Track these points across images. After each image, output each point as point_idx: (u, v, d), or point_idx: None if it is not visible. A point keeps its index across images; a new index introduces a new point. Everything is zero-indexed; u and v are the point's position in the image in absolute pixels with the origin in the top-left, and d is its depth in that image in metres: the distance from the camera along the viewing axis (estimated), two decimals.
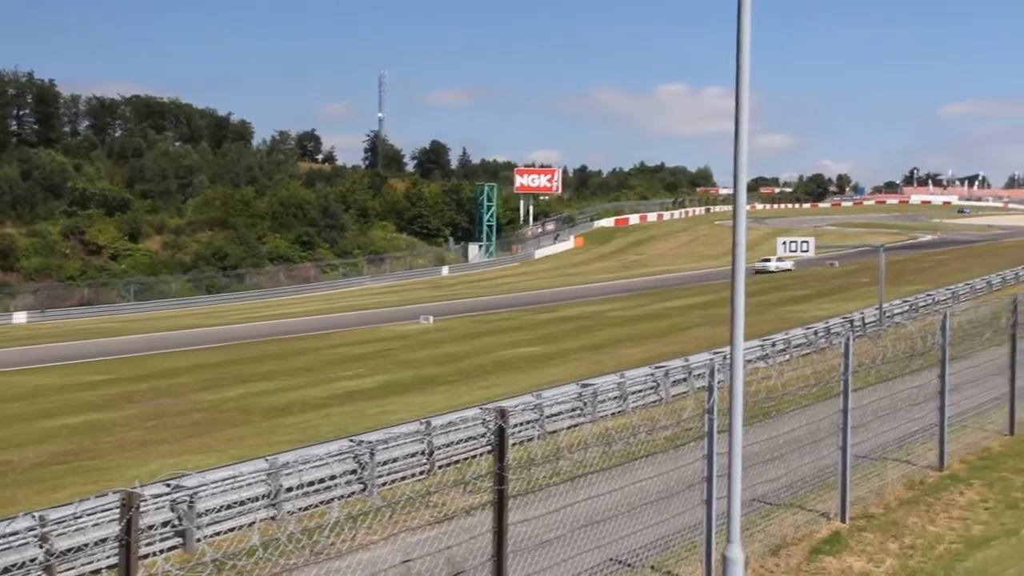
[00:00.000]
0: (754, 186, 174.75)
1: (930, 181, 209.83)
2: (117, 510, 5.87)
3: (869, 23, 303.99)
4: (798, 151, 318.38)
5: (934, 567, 10.15)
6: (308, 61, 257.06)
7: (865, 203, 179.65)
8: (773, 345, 27.62)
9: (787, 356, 27.29)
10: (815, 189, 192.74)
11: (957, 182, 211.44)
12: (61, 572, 11.88)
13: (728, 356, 8.78)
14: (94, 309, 71.57)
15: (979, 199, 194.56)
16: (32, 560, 11.58)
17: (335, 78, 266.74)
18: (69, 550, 11.60)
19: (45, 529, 11.88)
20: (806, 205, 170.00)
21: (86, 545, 11.47)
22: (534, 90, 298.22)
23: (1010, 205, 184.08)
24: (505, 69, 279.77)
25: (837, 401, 11.68)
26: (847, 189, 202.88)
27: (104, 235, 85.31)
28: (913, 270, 61.38)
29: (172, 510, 13.08)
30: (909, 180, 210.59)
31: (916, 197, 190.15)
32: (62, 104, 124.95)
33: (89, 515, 11.19)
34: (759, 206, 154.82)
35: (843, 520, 11.46)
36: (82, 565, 11.78)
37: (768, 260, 69.37)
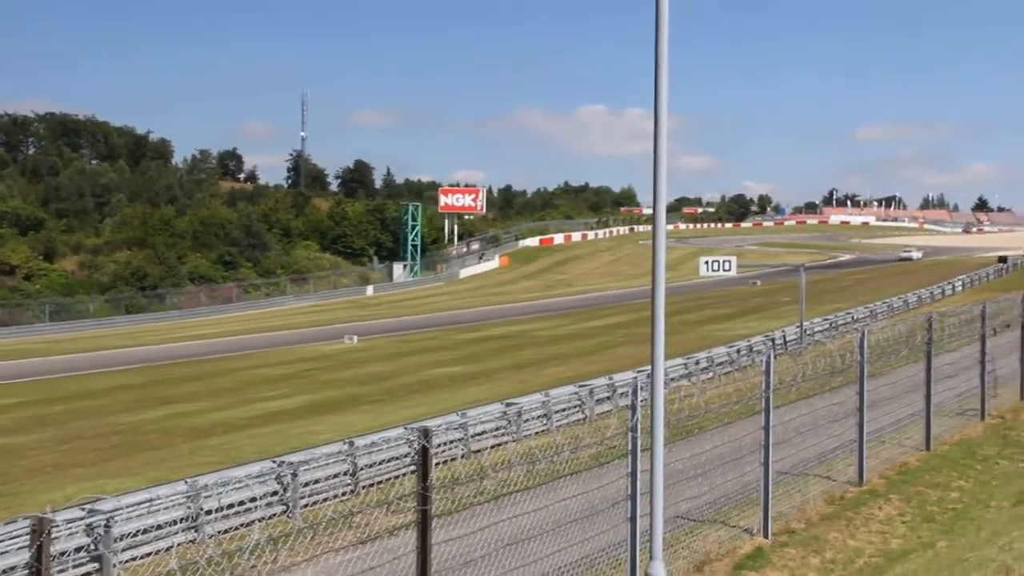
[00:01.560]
0: (677, 206, 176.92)
1: (848, 202, 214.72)
2: (27, 537, 5.66)
3: (787, 47, 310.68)
4: (719, 172, 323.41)
5: None
6: (229, 79, 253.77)
7: (786, 223, 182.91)
8: (696, 363, 27.92)
9: (710, 374, 27.59)
10: (737, 209, 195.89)
11: (875, 203, 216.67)
12: None
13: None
14: (7, 330, 69.56)
15: (895, 219, 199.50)
16: None
17: (256, 97, 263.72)
18: None
19: None
20: (728, 225, 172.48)
21: None
22: (457, 110, 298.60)
23: (925, 225, 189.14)
24: (427, 89, 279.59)
25: (759, 418, 11.82)
26: (768, 209, 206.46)
27: (17, 255, 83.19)
28: (833, 289, 62.64)
29: (88, 535, 12.72)
30: (828, 201, 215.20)
31: (835, 217, 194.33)
32: None
33: None
34: (682, 226, 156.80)
35: (766, 536, 11.58)
36: None
37: (909, 250, 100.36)
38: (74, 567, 12.35)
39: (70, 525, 12.32)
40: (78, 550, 12.50)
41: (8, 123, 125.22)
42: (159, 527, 13.23)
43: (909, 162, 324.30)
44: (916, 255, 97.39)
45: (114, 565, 12.50)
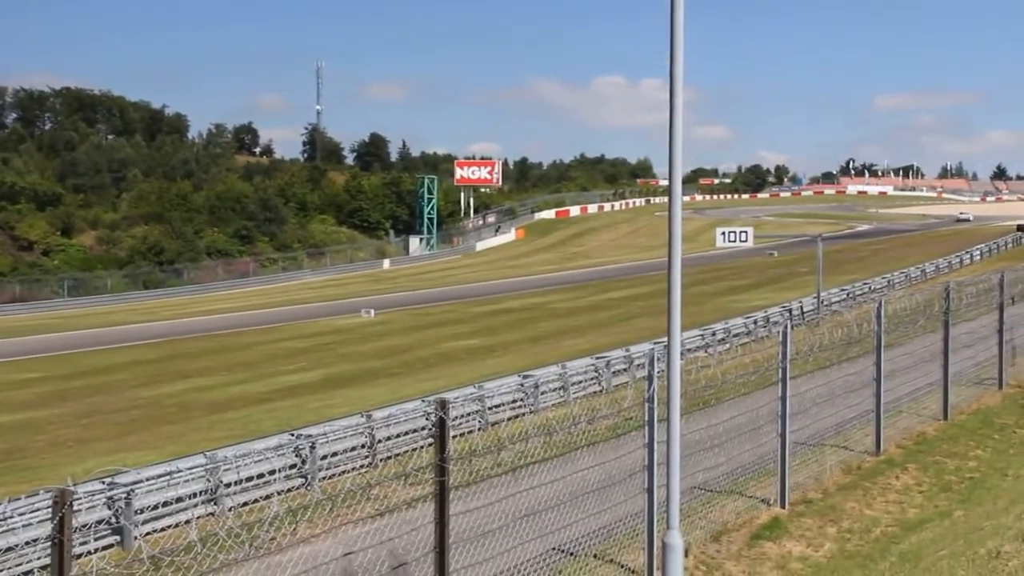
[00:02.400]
0: (693, 177, 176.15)
1: (866, 171, 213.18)
2: (49, 509, 5.72)
3: (803, 15, 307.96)
4: (735, 142, 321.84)
5: (871, 550, 10.31)
6: (244, 53, 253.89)
7: (803, 194, 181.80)
8: (713, 334, 27.89)
9: (727, 345, 27.56)
10: (753, 180, 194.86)
11: (892, 172, 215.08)
12: None
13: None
14: (26, 306, 70.06)
15: (913, 189, 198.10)
16: None
17: (271, 70, 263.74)
18: None
19: None
20: (745, 196, 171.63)
21: (17, 546, 11.21)
22: (471, 83, 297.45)
23: (944, 195, 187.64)
24: (441, 61, 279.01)
25: (776, 389, 11.81)
26: (785, 180, 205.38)
27: (35, 230, 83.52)
28: (850, 259, 62.37)
29: (108, 507, 12.84)
30: (846, 171, 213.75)
31: (853, 187, 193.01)
32: None
33: (20, 515, 10.93)
34: (698, 197, 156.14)
35: (783, 506, 11.59)
36: (14, 566, 11.54)
37: (966, 213, 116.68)
38: (96, 539, 12.48)
39: (91, 498, 12.44)
40: (99, 523, 12.62)
41: (24, 98, 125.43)
42: (179, 500, 13.34)
43: (927, 131, 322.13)
44: (970, 216, 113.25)
45: (135, 537, 12.62)
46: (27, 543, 10.94)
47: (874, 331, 13.81)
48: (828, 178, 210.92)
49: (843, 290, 40.50)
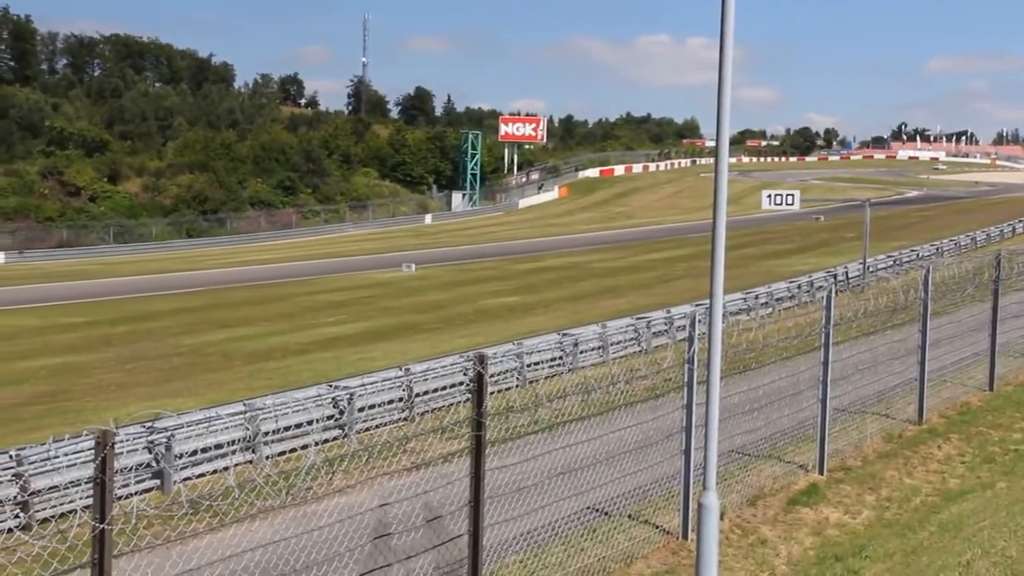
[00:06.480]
0: (740, 139, 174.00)
1: (918, 136, 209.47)
2: (92, 451, 5.76)
3: None
4: (784, 104, 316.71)
5: (910, 519, 10.20)
6: (291, 3, 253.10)
7: (852, 158, 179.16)
8: (756, 298, 27.65)
9: (769, 309, 27.32)
10: (802, 143, 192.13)
11: (944, 138, 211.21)
12: (37, 510, 11.85)
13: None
14: (73, 251, 70.99)
15: (966, 155, 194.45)
16: (10, 499, 11.58)
17: (318, 22, 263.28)
18: (43, 489, 11.56)
19: (21, 468, 11.84)
20: (792, 159, 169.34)
21: (61, 485, 11.40)
22: (516, 39, 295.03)
23: (998, 162, 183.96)
24: (486, 17, 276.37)
25: (817, 354, 11.67)
26: (834, 143, 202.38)
27: (83, 176, 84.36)
28: (898, 226, 61.47)
29: (149, 451, 13.01)
30: (897, 135, 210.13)
31: (904, 152, 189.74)
32: (39, 41, 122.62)
33: (64, 455, 11.10)
34: (745, 159, 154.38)
35: (821, 472, 11.49)
36: (58, 504, 11.74)
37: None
38: (136, 482, 12.65)
39: (133, 441, 12.60)
40: (140, 466, 12.80)
41: (75, 44, 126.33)
42: (218, 447, 13.48)
43: (982, 95, 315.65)
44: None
45: (175, 482, 12.79)
46: (71, 483, 11.11)
47: (920, 298, 13.59)
48: (878, 142, 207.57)
49: (890, 256, 39.96)
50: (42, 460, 11.82)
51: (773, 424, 11.77)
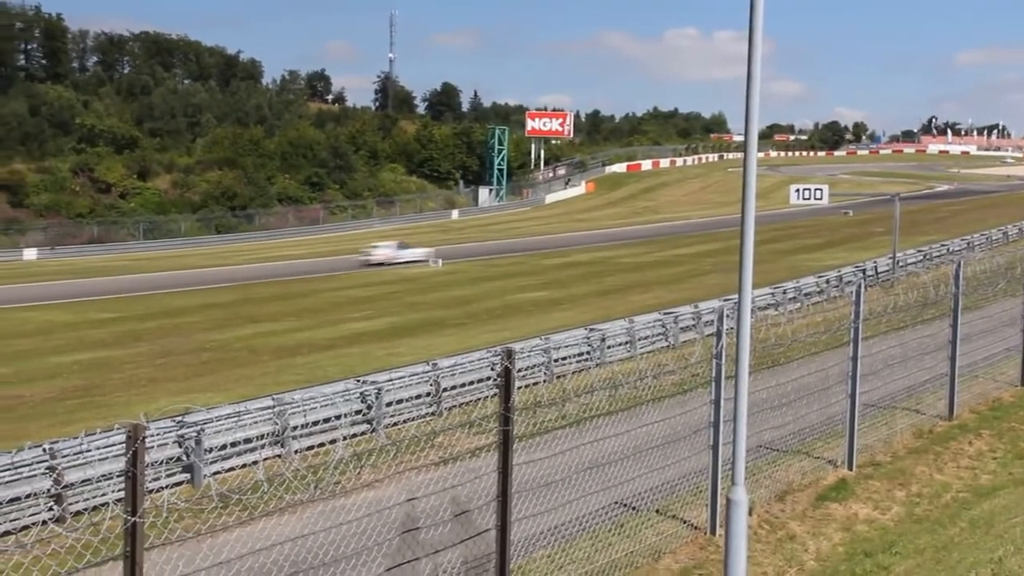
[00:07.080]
0: (768, 133, 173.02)
1: (948, 130, 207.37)
2: (123, 444, 5.82)
3: None
4: (812, 98, 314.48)
5: (940, 515, 10.12)
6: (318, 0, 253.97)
7: (881, 152, 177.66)
8: (784, 293, 27.51)
9: (798, 304, 27.18)
10: (830, 137, 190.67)
11: (975, 131, 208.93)
12: (70, 503, 11.99)
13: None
14: (104, 247, 71.63)
15: (997, 149, 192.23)
16: (44, 492, 11.72)
17: (344, 19, 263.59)
18: (76, 482, 11.68)
19: (54, 461, 11.98)
20: (821, 153, 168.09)
21: (93, 478, 11.52)
22: (542, 34, 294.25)
23: None
24: (513, 12, 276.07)
25: (846, 349, 11.59)
26: (863, 138, 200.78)
27: (113, 173, 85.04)
28: (928, 220, 60.95)
29: (180, 446, 13.13)
30: (927, 129, 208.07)
31: (934, 147, 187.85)
32: (70, 39, 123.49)
33: (97, 449, 11.22)
34: (773, 153, 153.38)
35: (850, 468, 11.42)
36: (91, 497, 11.86)
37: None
38: (167, 476, 12.76)
39: (163, 435, 12.72)
40: (171, 460, 12.91)
41: (105, 42, 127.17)
42: (247, 441, 13.57)
43: (1013, 88, 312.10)
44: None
45: (204, 476, 12.89)
46: (103, 476, 11.22)
47: (951, 293, 13.47)
48: (908, 136, 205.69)
49: (920, 251, 39.62)
50: (75, 454, 11.95)
51: (801, 419, 11.70)
